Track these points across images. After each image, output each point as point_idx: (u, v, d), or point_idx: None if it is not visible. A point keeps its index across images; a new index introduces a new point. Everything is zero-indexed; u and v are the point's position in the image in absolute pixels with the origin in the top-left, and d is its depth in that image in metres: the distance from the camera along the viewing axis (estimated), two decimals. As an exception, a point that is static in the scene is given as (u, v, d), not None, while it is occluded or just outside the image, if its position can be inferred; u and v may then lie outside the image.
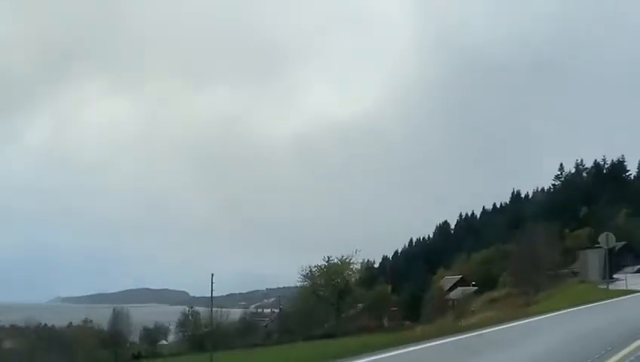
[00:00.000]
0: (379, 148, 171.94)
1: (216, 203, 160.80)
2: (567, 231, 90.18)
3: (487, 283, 75.88)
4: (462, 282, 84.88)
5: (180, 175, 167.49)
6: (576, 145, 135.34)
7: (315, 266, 62.62)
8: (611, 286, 43.38)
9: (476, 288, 76.67)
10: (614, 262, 68.43)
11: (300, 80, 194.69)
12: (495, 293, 61.43)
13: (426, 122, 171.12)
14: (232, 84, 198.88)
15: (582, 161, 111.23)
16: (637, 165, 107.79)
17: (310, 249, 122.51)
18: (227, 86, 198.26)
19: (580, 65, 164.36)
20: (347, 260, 62.85)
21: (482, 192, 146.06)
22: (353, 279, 64.54)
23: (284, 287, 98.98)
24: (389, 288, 77.72)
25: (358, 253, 63.71)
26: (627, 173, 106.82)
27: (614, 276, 52.97)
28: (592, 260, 43.24)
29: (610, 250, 41.63)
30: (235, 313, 69.03)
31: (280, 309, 71.22)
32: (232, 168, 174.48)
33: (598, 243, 41.83)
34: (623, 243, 70.19)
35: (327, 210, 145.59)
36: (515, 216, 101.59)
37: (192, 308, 62.91)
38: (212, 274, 36.74)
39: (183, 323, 63.78)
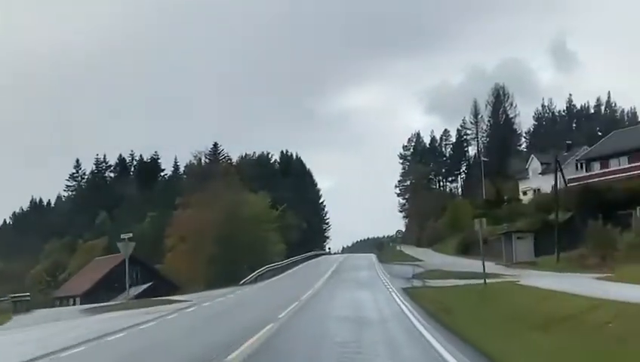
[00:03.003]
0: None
1: None
2: (81, 242, 76.89)
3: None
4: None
5: None
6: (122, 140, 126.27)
7: None
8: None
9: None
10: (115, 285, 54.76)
11: None
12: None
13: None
14: None
15: (105, 156, 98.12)
16: (173, 163, 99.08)
17: None
18: None
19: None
20: None
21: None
22: None
23: None
24: None
25: None
26: (162, 173, 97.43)
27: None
28: None
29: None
30: None
31: None
32: None
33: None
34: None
35: None
36: (33, 228, 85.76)
37: None
38: None
39: None
